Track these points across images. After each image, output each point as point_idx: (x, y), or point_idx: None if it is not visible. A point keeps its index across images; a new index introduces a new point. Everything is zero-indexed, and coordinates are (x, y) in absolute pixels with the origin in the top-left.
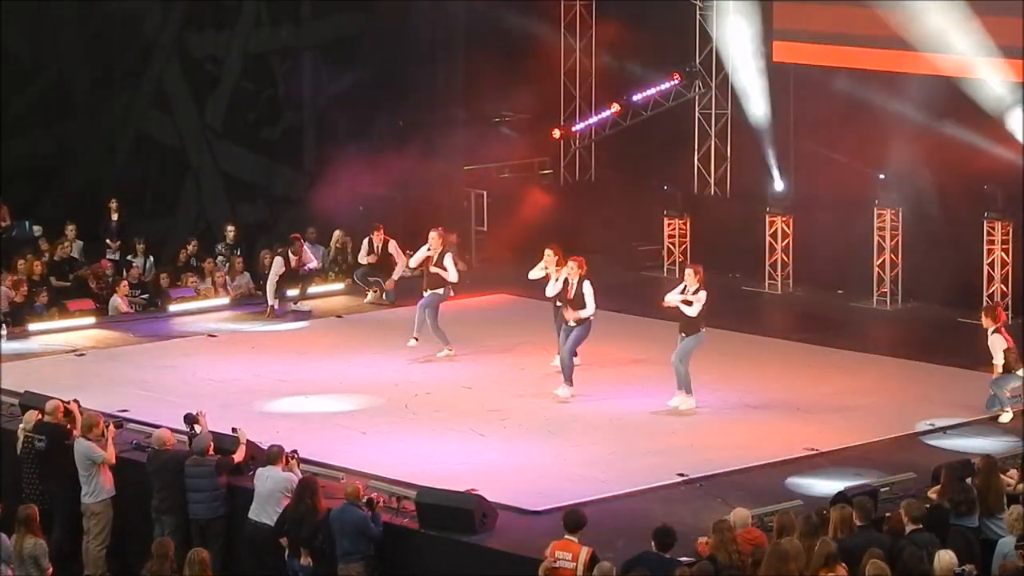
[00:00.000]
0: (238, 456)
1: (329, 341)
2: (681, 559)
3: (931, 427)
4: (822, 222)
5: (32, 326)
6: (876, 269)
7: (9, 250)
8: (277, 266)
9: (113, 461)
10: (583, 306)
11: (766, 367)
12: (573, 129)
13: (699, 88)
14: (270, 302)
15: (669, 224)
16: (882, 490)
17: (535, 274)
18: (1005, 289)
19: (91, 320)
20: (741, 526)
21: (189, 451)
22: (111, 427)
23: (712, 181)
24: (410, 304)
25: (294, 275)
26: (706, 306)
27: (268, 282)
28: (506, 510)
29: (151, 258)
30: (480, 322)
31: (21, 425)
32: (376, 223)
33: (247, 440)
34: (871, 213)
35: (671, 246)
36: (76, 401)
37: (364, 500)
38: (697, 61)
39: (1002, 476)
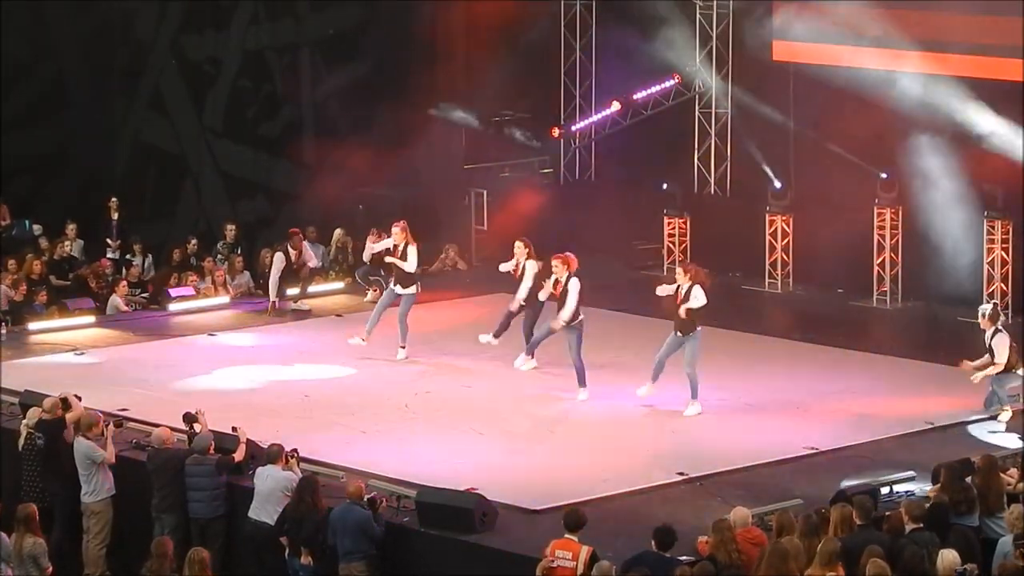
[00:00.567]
0: (238, 455)
1: (329, 340)
2: (681, 558)
3: (930, 426)
4: (822, 221)
5: (32, 325)
6: (876, 268)
7: (9, 249)
8: (279, 262)
9: (113, 460)
10: (563, 306)
11: (766, 366)
12: (573, 128)
13: (699, 87)
14: (272, 298)
15: (669, 223)
16: (882, 490)
17: (505, 267)
18: (1005, 288)
19: (91, 319)
20: (741, 525)
21: (189, 450)
22: (111, 426)
23: (712, 180)
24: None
25: (295, 272)
26: (703, 305)
27: (270, 278)
28: (506, 509)
29: (149, 257)
30: (480, 321)
31: (24, 421)
32: (373, 228)
33: (247, 439)
34: (871, 212)
35: (671, 245)
36: (77, 396)
37: (366, 500)
38: (697, 61)
39: (1002, 475)
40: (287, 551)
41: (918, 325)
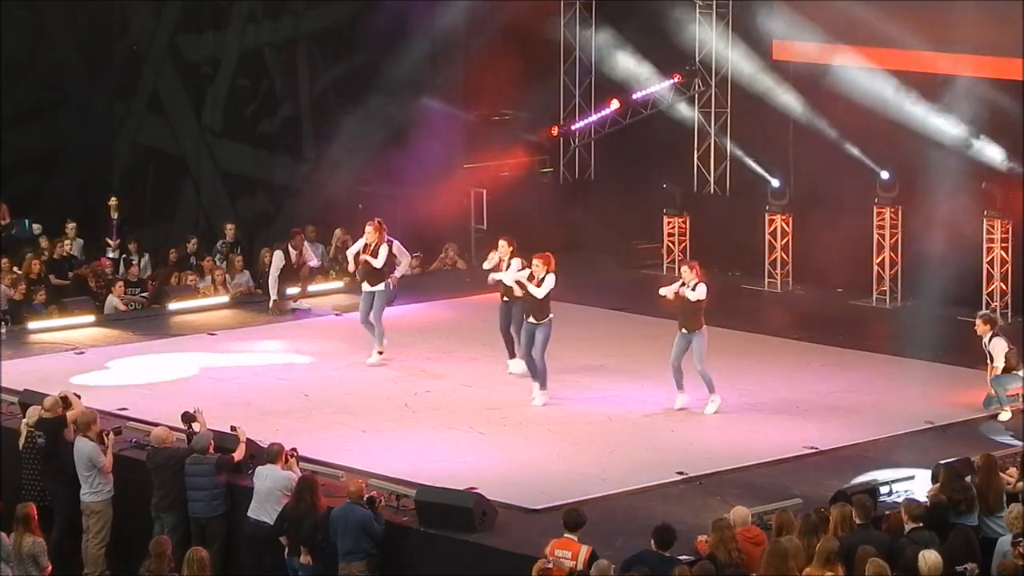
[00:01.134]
0: (238, 454)
1: (329, 339)
2: (681, 558)
3: (930, 425)
4: (822, 221)
5: (31, 324)
6: (876, 267)
7: (9, 248)
8: (278, 260)
9: (109, 469)
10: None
11: (766, 366)
12: (572, 127)
13: (699, 87)
14: (273, 296)
15: (668, 222)
16: (882, 490)
17: (489, 264)
18: (1004, 288)
19: (90, 318)
20: (741, 524)
21: (189, 449)
22: (111, 434)
23: (712, 179)
24: (410, 303)
25: (295, 272)
26: (705, 302)
27: (270, 277)
28: (506, 508)
29: (146, 256)
30: (479, 320)
31: (24, 420)
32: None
33: (247, 438)
34: (871, 211)
35: (670, 244)
36: (77, 395)
37: (365, 499)
38: (697, 60)
39: (1001, 474)
40: (286, 550)
41: (918, 324)
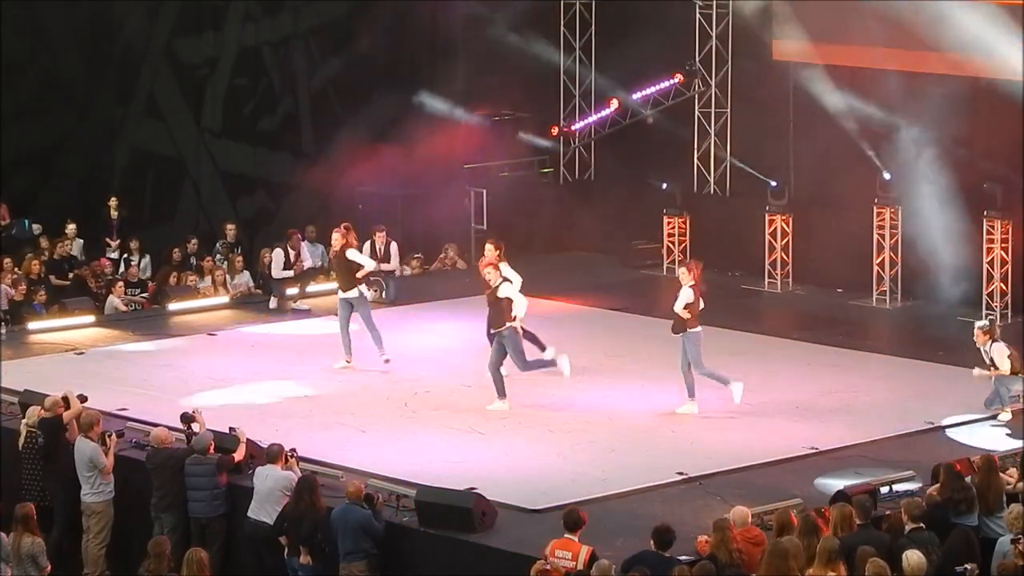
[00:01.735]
0: (238, 455)
1: (328, 340)
2: (681, 558)
3: (930, 425)
4: (822, 221)
5: (31, 324)
6: (876, 267)
7: (9, 249)
8: (278, 258)
9: (110, 470)
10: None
11: (766, 366)
12: (572, 127)
13: (699, 87)
14: (274, 295)
15: (668, 222)
16: (881, 490)
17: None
18: (1005, 288)
19: (90, 319)
20: (741, 525)
21: (189, 449)
22: (112, 437)
23: (712, 180)
24: (410, 303)
25: (292, 271)
26: (695, 304)
27: (272, 275)
28: (505, 509)
29: (147, 257)
30: (479, 320)
31: (24, 420)
32: (378, 225)
33: (247, 439)
34: (871, 211)
35: (670, 244)
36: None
37: (363, 497)
38: (697, 60)
39: (1001, 475)
40: (286, 551)
41: (918, 324)
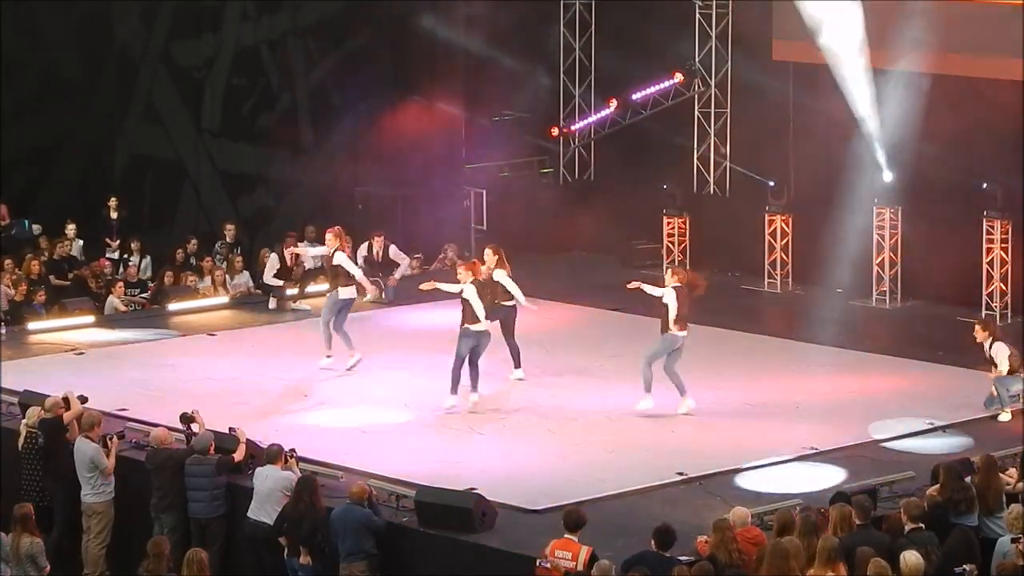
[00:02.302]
0: (238, 455)
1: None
2: (681, 558)
3: (930, 425)
4: (822, 221)
5: (31, 325)
6: (875, 268)
7: (9, 249)
8: (273, 261)
9: (111, 471)
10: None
11: (766, 366)
12: (572, 128)
13: (699, 87)
14: (273, 295)
15: (668, 223)
16: (881, 490)
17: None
18: (1004, 288)
19: (90, 319)
20: (741, 525)
21: (189, 449)
22: (114, 439)
23: (711, 180)
24: (410, 303)
25: (290, 273)
26: (680, 309)
27: (265, 279)
28: (505, 509)
29: (147, 257)
30: None
31: (24, 421)
32: (376, 231)
33: (247, 439)
34: (871, 211)
35: (670, 244)
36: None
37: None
38: (697, 60)
39: (1001, 475)
40: (286, 551)
41: (917, 324)
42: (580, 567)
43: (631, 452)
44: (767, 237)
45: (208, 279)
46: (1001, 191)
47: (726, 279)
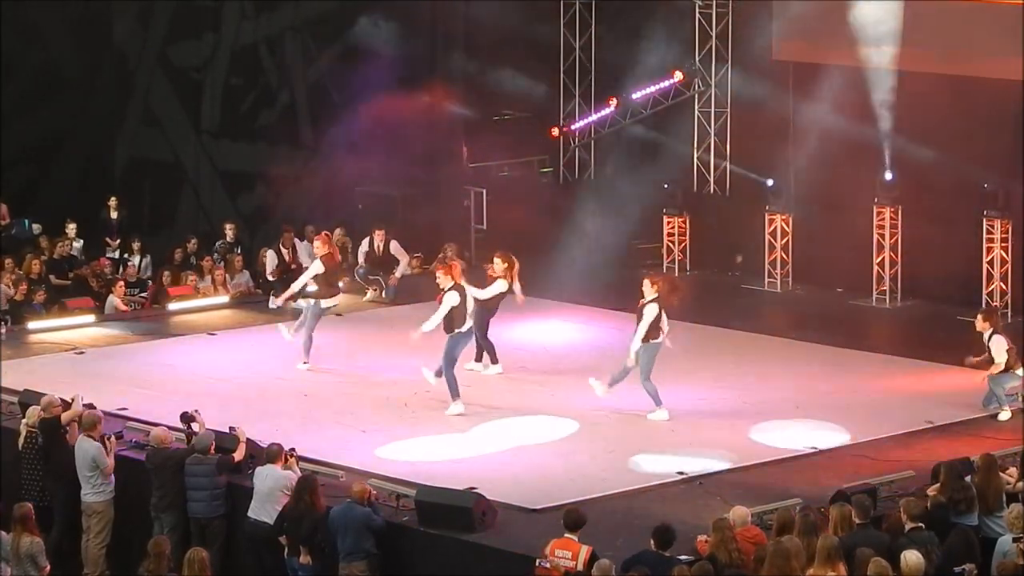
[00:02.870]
0: (238, 455)
1: (328, 340)
2: (681, 557)
3: (930, 425)
4: (822, 221)
5: (31, 324)
6: (876, 267)
7: (9, 248)
8: (271, 260)
9: (112, 470)
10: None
11: (766, 365)
12: (572, 128)
13: (699, 87)
14: (273, 294)
15: (668, 222)
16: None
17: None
18: (1004, 287)
19: (90, 318)
20: (741, 524)
21: (189, 449)
22: (112, 440)
23: (711, 179)
24: (410, 303)
25: (288, 271)
26: (656, 321)
27: (267, 276)
28: (506, 509)
29: (148, 257)
30: None
31: (24, 420)
32: (378, 225)
33: (247, 439)
34: (871, 211)
35: (671, 244)
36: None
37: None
38: (697, 60)
39: (1001, 474)
40: (286, 550)
41: (917, 324)
42: (580, 567)
43: (631, 452)
44: (767, 237)
45: (208, 279)
46: (1001, 191)
47: (727, 279)
